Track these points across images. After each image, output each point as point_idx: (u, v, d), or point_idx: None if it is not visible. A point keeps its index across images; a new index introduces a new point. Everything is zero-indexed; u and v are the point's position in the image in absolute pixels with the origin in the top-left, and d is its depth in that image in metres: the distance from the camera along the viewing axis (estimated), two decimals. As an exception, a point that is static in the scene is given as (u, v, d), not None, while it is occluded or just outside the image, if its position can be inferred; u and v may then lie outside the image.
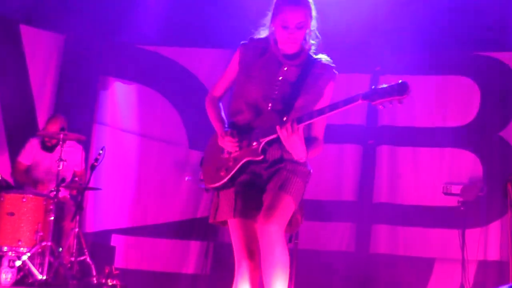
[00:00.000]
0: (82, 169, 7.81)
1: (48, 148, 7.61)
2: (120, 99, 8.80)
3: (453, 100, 8.20)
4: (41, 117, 8.45)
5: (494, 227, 7.81)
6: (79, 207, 7.22)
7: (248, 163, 3.81)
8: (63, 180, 7.19)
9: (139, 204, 8.58)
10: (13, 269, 6.52)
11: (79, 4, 8.23)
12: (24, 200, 6.88)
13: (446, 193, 7.82)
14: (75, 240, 7.10)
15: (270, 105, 3.82)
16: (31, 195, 6.96)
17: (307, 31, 3.87)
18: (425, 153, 8.20)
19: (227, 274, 8.04)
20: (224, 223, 3.98)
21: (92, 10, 8.30)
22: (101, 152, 7.46)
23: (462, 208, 7.63)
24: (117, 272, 7.21)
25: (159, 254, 8.37)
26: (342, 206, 8.21)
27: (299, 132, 3.68)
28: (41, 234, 6.86)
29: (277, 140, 3.76)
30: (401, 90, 3.47)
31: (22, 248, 6.75)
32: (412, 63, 8.06)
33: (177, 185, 8.55)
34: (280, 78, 3.85)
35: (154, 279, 8.23)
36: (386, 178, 8.22)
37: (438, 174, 8.10)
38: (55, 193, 7.00)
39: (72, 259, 7.04)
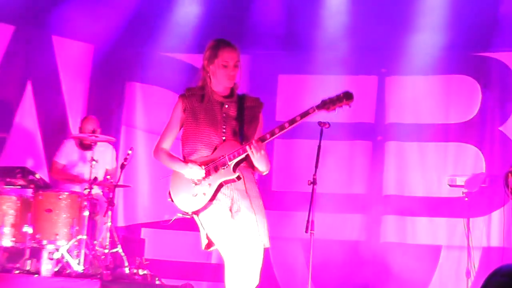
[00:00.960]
0: (113, 167, 8.03)
1: (85, 146, 7.82)
2: (145, 103, 9.14)
3: (456, 98, 8.41)
4: (73, 121, 8.76)
5: (497, 216, 8.01)
6: (111, 203, 7.36)
7: (222, 184, 4.31)
8: (95, 178, 7.36)
9: (165, 199, 8.81)
10: (52, 261, 6.68)
11: (106, 15, 8.53)
12: (60, 197, 7.08)
13: (451, 185, 8.03)
14: (108, 234, 7.26)
15: (223, 138, 4.38)
16: (66, 193, 7.16)
17: (239, 71, 4.43)
18: (430, 148, 8.42)
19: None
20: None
21: (117, 20, 8.62)
22: (129, 152, 7.63)
23: (466, 199, 7.83)
24: (147, 262, 7.45)
25: (185, 246, 8.57)
26: (354, 198, 8.48)
27: (265, 148, 4.29)
28: (77, 228, 7.05)
29: (240, 162, 4.30)
30: (348, 97, 4.25)
31: (60, 242, 6.95)
32: (416, 65, 8.32)
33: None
34: (224, 115, 4.40)
35: (181, 268, 8.49)
36: (394, 172, 8.47)
37: (443, 167, 8.32)
38: (88, 190, 7.20)
39: (106, 251, 7.20)
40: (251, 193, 4.44)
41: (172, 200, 4.52)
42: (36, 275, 6.63)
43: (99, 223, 7.55)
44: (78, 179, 7.75)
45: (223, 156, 4.31)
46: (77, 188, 7.63)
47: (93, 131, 7.49)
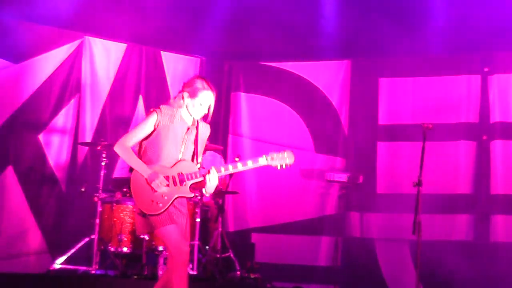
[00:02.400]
0: (223, 176, 8.14)
1: None
2: (250, 112, 9.27)
3: None
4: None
5: None
6: (221, 210, 7.54)
7: (177, 197, 4.88)
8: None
9: (273, 204, 8.90)
10: (167, 266, 6.92)
11: (209, 30, 8.72)
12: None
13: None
14: (219, 239, 7.41)
15: (180, 156, 4.96)
16: (179, 201, 7.39)
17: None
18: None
19: (356, 265, 8.37)
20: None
21: (221, 33, 8.78)
22: (237, 159, 7.70)
23: None
24: (257, 266, 7.53)
25: (294, 249, 8.68)
26: (460, 198, 8.30)
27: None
28: (189, 234, 7.28)
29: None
30: (290, 158, 5.04)
31: (174, 248, 7.19)
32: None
33: (306, 187, 8.89)
34: (185, 137, 5.00)
35: (291, 271, 8.53)
36: (501, 170, 8.24)
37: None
38: (200, 198, 7.28)
39: (218, 255, 7.34)
40: (185, 203, 5.03)
41: (131, 196, 4.98)
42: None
43: (210, 229, 7.69)
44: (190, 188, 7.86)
45: (181, 174, 4.91)
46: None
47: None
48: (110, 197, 7.44)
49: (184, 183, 4.90)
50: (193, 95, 4.99)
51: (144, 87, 8.88)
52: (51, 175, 8.26)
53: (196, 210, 7.29)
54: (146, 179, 4.84)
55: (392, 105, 8.77)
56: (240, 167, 5.07)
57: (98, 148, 7.63)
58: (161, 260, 6.92)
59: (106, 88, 8.68)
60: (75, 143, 8.37)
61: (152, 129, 4.94)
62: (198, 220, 7.25)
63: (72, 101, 8.45)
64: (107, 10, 8.20)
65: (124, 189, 7.43)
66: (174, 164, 4.92)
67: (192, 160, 5.03)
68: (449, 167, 8.37)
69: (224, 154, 8.66)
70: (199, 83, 5.05)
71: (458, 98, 8.44)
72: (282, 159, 5.05)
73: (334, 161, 8.88)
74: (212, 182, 4.97)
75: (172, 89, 9.03)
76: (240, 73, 9.31)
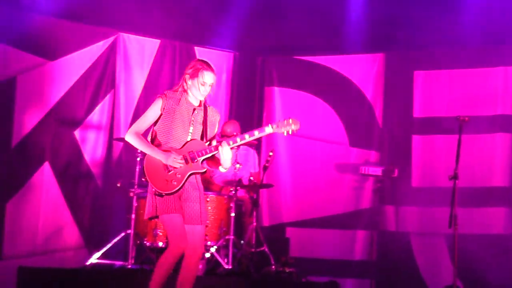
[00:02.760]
0: (257, 171, 8.14)
1: None
2: (283, 106, 9.23)
3: None
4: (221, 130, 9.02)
5: None
6: (255, 204, 7.54)
7: (190, 174, 5.09)
8: (239, 181, 7.52)
9: (307, 199, 8.88)
10: (203, 261, 6.83)
11: (242, 24, 8.72)
12: (207, 200, 7.18)
13: None
14: (254, 234, 7.42)
15: (189, 137, 5.16)
16: (213, 196, 7.29)
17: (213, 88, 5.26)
18: None
19: (392, 260, 8.32)
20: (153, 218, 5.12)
21: (255, 28, 8.79)
22: (271, 154, 7.75)
23: None
24: (292, 260, 7.48)
25: (329, 243, 8.65)
26: (497, 191, 8.18)
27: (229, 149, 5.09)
28: (225, 229, 7.20)
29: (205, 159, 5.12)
30: (295, 123, 5.23)
31: (209, 242, 7.09)
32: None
33: (340, 180, 8.84)
34: (193, 119, 5.19)
35: (326, 266, 8.49)
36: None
37: None
38: (234, 192, 7.36)
39: (252, 250, 7.35)
40: (200, 186, 5.23)
41: (148, 181, 5.10)
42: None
43: (245, 224, 7.70)
44: (224, 182, 7.91)
45: (192, 152, 5.09)
46: (223, 191, 7.78)
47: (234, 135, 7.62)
48: (145, 192, 7.47)
49: (196, 160, 5.09)
50: (194, 75, 5.19)
51: (177, 82, 8.88)
52: (87, 171, 8.34)
53: (231, 205, 7.31)
54: (159, 160, 5.03)
55: (427, 97, 8.69)
56: (247, 137, 5.14)
57: (133, 143, 7.68)
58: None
59: (140, 84, 8.73)
60: (111, 139, 8.44)
61: (159, 113, 5.16)
62: (232, 214, 7.28)
63: (107, 97, 8.51)
64: (141, 6, 8.23)
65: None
66: (184, 145, 5.13)
67: (201, 139, 5.21)
68: (485, 159, 8.25)
69: (258, 149, 8.65)
70: (199, 64, 5.25)
71: (495, 90, 8.32)
72: (288, 125, 5.21)
73: (368, 155, 8.82)
74: (225, 155, 5.08)
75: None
76: (274, 68, 9.29)
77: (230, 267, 7.03)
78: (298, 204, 8.92)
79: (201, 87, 5.17)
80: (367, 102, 8.92)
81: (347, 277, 8.42)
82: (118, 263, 7.24)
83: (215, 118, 5.34)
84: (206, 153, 5.12)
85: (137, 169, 7.44)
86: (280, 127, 5.19)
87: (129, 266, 7.11)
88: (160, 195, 5.04)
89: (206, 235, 7.11)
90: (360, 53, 9.02)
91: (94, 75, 8.42)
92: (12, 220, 7.82)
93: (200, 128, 5.22)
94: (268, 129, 5.17)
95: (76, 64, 8.32)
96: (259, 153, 8.70)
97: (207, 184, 8.06)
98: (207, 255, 7.02)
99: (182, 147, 5.12)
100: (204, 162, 5.18)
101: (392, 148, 8.74)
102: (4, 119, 7.90)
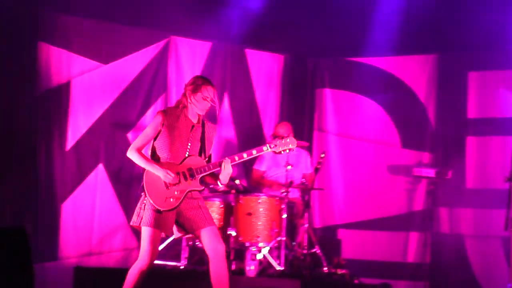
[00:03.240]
0: (310, 172, 8.05)
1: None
2: (335, 108, 9.19)
3: None
4: (267, 128, 9.01)
5: None
6: (307, 206, 7.51)
7: (189, 192, 5.19)
8: (291, 182, 7.46)
9: (359, 200, 8.82)
10: (255, 262, 6.89)
11: (293, 27, 8.72)
12: (259, 201, 7.23)
13: None
14: (306, 235, 7.38)
15: (187, 153, 5.24)
16: (265, 197, 7.30)
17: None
18: None
19: (446, 262, 8.20)
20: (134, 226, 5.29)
21: (304, 31, 8.76)
22: (322, 155, 7.71)
23: None
24: (344, 262, 7.47)
25: (382, 245, 8.59)
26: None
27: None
28: (276, 230, 7.17)
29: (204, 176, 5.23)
30: (292, 143, 5.31)
31: (261, 243, 7.11)
32: None
33: (393, 182, 8.75)
34: (191, 136, 5.28)
35: (379, 268, 8.42)
36: None
37: None
38: (286, 194, 7.33)
39: (304, 251, 7.32)
40: (197, 196, 5.29)
41: (146, 195, 5.19)
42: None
43: (297, 225, 7.66)
44: (276, 184, 7.89)
45: (191, 168, 5.20)
46: (274, 193, 7.76)
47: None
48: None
49: (195, 177, 5.21)
50: (194, 91, 5.27)
51: (229, 85, 8.93)
52: (140, 172, 8.38)
53: (282, 206, 7.29)
54: (159, 177, 5.15)
55: (482, 98, 8.57)
56: (245, 156, 5.28)
57: (185, 145, 7.73)
58: (248, 256, 6.97)
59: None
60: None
61: (158, 129, 5.25)
62: (284, 216, 7.25)
63: (159, 100, 8.58)
64: (192, 10, 8.28)
65: (211, 185, 7.51)
66: (183, 161, 5.23)
67: (199, 155, 5.32)
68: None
69: (310, 150, 8.62)
70: (199, 80, 5.35)
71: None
72: (285, 145, 5.33)
73: (421, 156, 8.72)
74: (226, 170, 5.20)
75: (257, 87, 9.07)
76: (325, 69, 9.25)
77: (282, 268, 7.02)
78: (350, 206, 8.87)
79: (202, 102, 5.27)
80: (419, 103, 8.83)
81: (400, 279, 8.34)
82: (171, 264, 7.28)
83: (212, 134, 5.44)
84: (206, 171, 5.24)
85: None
86: (278, 146, 5.31)
87: (182, 267, 7.15)
88: (159, 212, 5.13)
89: (258, 236, 7.17)
90: (412, 54, 8.93)
91: (146, 78, 8.50)
92: (67, 220, 7.95)
93: (198, 144, 5.32)
94: (266, 148, 5.30)
95: (129, 67, 8.41)
96: (311, 154, 8.64)
97: (258, 185, 8.07)
98: (259, 256, 7.02)
99: (181, 163, 5.23)
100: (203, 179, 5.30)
101: (446, 149, 8.63)
102: (59, 122, 8.03)
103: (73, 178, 8.01)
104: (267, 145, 5.30)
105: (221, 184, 5.31)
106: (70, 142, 8.03)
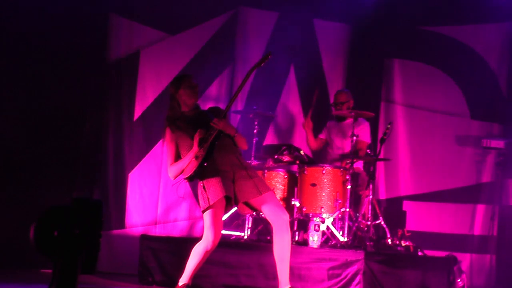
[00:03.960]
0: (369, 142, 7.98)
1: (342, 119, 8.01)
2: (403, 78, 9.02)
3: None
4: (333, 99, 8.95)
5: None
6: (372, 177, 7.42)
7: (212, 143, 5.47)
8: (356, 153, 7.47)
9: (426, 172, 8.68)
10: (318, 233, 6.87)
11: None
12: (323, 172, 7.21)
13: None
14: (370, 206, 7.33)
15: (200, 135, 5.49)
16: (329, 167, 7.26)
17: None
18: None
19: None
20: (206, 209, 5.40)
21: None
22: (388, 126, 7.60)
23: None
24: (409, 234, 7.36)
25: (447, 217, 8.43)
26: None
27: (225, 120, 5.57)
28: (340, 201, 7.16)
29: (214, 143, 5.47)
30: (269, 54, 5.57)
31: (324, 214, 7.12)
32: None
33: (460, 154, 8.56)
34: (195, 122, 5.55)
35: (444, 240, 8.30)
36: None
37: None
38: (350, 165, 7.32)
39: (368, 223, 7.28)
40: (245, 166, 5.53)
41: (186, 179, 5.51)
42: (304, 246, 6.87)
43: (361, 196, 7.61)
44: (339, 154, 7.86)
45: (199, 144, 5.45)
46: (339, 163, 7.74)
47: (347, 104, 7.60)
48: (261, 164, 7.58)
49: (205, 142, 5.43)
50: (177, 87, 5.64)
51: (296, 55, 8.88)
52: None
53: (347, 177, 7.27)
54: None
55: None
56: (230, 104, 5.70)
57: (250, 116, 7.77)
58: (311, 226, 6.97)
59: (258, 57, 8.73)
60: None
61: (174, 138, 5.57)
62: (348, 187, 7.24)
63: (226, 71, 8.62)
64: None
65: (275, 156, 7.55)
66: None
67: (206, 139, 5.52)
68: None
69: (376, 121, 8.54)
70: (174, 79, 5.80)
71: None
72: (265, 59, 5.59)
73: (491, 127, 8.49)
74: (222, 128, 5.44)
75: (324, 58, 8.98)
76: (394, 39, 9.04)
77: (346, 239, 7.03)
78: (416, 178, 8.72)
79: (189, 90, 5.63)
80: (491, 72, 8.59)
81: (465, 251, 8.21)
82: (235, 234, 7.37)
83: (206, 117, 5.63)
84: (211, 134, 5.45)
85: (254, 141, 7.55)
86: (258, 64, 5.65)
87: (246, 237, 7.24)
88: (201, 165, 5.38)
89: (322, 207, 7.17)
90: (485, 23, 8.67)
91: (213, 49, 8.54)
92: (134, 190, 8.12)
93: (203, 131, 5.51)
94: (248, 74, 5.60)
95: (196, 37, 8.48)
96: (377, 125, 8.58)
97: (324, 155, 8.06)
98: (323, 227, 7.03)
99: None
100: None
101: (517, 120, 8.40)
102: (128, 92, 8.18)
103: (140, 148, 8.18)
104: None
105: (232, 135, 5.54)
106: (137, 112, 8.17)
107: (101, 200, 3.86)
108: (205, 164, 5.39)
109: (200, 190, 5.46)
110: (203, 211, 5.40)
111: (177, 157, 5.56)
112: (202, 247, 5.40)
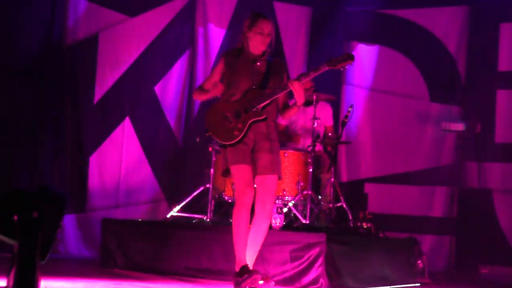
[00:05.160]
0: (331, 124, 7.91)
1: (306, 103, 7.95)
2: (364, 61, 9.03)
3: None
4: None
5: None
6: (333, 160, 7.40)
7: (252, 123, 5.15)
8: (318, 136, 7.39)
9: (386, 154, 8.74)
10: (281, 215, 6.75)
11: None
12: (285, 155, 7.11)
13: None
14: (332, 189, 7.30)
15: (253, 87, 5.20)
16: (291, 151, 7.20)
17: (272, 39, 5.25)
18: None
19: (473, 217, 8.12)
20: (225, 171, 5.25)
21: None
22: (350, 109, 7.56)
23: None
24: (370, 216, 7.31)
25: (408, 200, 8.52)
26: None
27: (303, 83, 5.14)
28: (302, 184, 7.10)
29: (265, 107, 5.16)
30: (351, 58, 5.13)
31: (287, 197, 7.07)
32: None
33: (420, 136, 8.62)
34: (255, 69, 5.24)
35: (404, 222, 8.38)
36: None
37: None
38: (312, 148, 7.24)
39: (330, 205, 7.25)
40: (271, 137, 5.25)
41: (211, 134, 5.23)
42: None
43: (322, 179, 7.56)
44: (300, 136, 7.82)
45: (250, 100, 5.14)
46: (300, 146, 7.72)
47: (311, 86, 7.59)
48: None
49: (255, 108, 5.14)
50: (251, 26, 5.22)
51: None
52: (167, 125, 8.43)
53: (309, 160, 7.23)
54: (219, 113, 5.17)
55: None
56: (302, 78, 5.18)
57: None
58: (273, 209, 6.89)
59: (219, 39, 8.70)
60: (190, 94, 8.48)
61: (222, 71, 5.29)
62: (310, 170, 7.18)
63: (187, 52, 8.54)
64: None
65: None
66: (244, 94, 5.19)
67: (263, 88, 5.23)
68: None
69: (337, 104, 8.54)
70: (255, 15, 5.29)
71: None
72: (343, 61, 5.15)
73: (450, 110, 8.57)
74: (297, 90, 5.09)
75: (284, 40, 8.93)
76: (354, 22, 9.05)
77: (308, 222, 6.98)
78: (377, 160, 8.77)
79: (260, 36, 5.19)
80: (449, 55, 8.65)
81: (426, 233, 8.30)
82: (197, 216, 7.32)
83: (279, 69, 5.34)
84: (265, 100, 5.16)
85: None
86: (334, 62, 5.14)
87: (207, 220, 7.19)
88: (224, 146, 5.18)
89: (284, 190, 7.14)
90: (443, 5, 8.72)
91: (173, 31, 8.46)
92: (95, 173, 8.02)
93: (262, 78, 5.25)
94: (323, 68, 5.14)
95: (156, 19, 8.38)
96: (338, 108, 8.59)
97: (285, 137, 8.03)
98: (285, 210, 7.00)
99: (242, 97, 5.19)
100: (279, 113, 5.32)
101: (475, 103, 8.48)
102: (87, 75, 8.05)
103: (100, 131, 8.08)
104: (324, 63, 5.14)
105: (298, 105, 5.20)
106: (97, 96, 8.05)
107: (65, 194, 3.76)
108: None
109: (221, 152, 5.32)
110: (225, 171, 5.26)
111: (211, 83, 5.29)
112: (238, 211, 5.18)
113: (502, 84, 8.38)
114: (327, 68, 5.13)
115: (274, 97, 5.18)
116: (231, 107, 5.18)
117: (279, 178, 5.33)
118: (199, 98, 5.52)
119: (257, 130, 5.21)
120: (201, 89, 5.40)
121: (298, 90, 5.10)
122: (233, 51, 5.34)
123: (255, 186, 5.24)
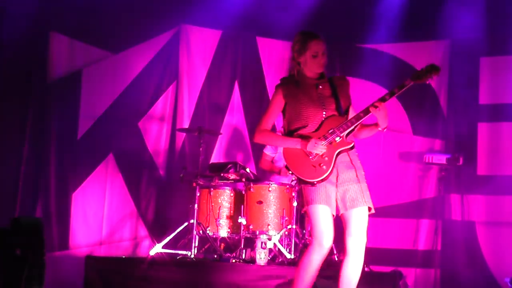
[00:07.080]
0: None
1: None
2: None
3: None
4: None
5: None
6: (318, 194, 7.50)
7: (338, 153, 4.68)
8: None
9: (370, 188, 8.69)
10: (265, 250, 6.83)
11: (298, 14, 8.55)
12: (270, 189, 7.20)
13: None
14: (316, 223, 7.41)
15: (324, 114, 4.73)
16: (275, 185, 7.25)
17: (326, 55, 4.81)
18: None
19: (457, 249, 8.13)
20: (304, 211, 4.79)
21: (312, 18, 8.60)
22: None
23: None
24: (355, 250, 7.46)
25: (392, 233, 8.50)
26: None
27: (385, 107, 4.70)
28: (287, 218, 7.16)
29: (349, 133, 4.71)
30: (436, 69, 4.65)
31: (271, 232, 7.11)
32: None
33: (403, 170, 8.66)
34: (319, 94, 4.77)
35: (389, 255, 8.34)
36: None
37: None
38: (296, 181, 7.16)
39: (313, 240, 7.36)
40: (355, 164, 4.84)
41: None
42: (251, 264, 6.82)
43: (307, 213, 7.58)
44: (285, 171, 7.83)
45: (332, 129, 4.67)
46: (285, 180, 7.73)
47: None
48: (208, 182, 7.53)
49: (340, 137, 4.69)
50: (300, 51, 4.82)
51: (240, 73, 8.90)
52: (150, 161, 8.43)
53: (293, 194, 7.26)
54: (298, 149, 4.66)
55: (494, 84, 8.45)
56: (387, 98, 4.81)
57: (196, 134, 7.72)
58: (258, 244, 6.93)
59: (203, 75, 8.75)
60: (173, 130, 8.50)
61: (283, 102, 4.81)
62: (295, 204, 7.22)
63: (170, 88, 8.58)
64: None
65: (221, 174, 7.49)
66: (320, 124, 4.72)
67: (337, 113, 4.79)
68: None
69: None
70: (304, 36, 4.86)
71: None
72: (427, 73, 4.71)
73: (432, 143, 8.63)
74: (380, 113, 4.72)
75: (267, 75, 8.99)
76: (335, 56, 9.11)
77: (293, 256, 7.00)
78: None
79: (315, 59, 4.78)
80: (431, 89, 8.72)
81: (410, 266, 8.27)
82: (182, 252, 7.29)
83: (344, 87, 4.90)
84: (349, 126, 4.72)
85: (200, 160, 7.49)
86: (420, 77, 4.69)
87: (192, 256, 7.16)
88: (313, 184, 4.65)
89: (268, 224, 7.15)
90: (423, 40, 8.82)
91: (157, 67, 8.49)
92: (78, 210, 7.98)
93: (332, 101, 4.79)
94: (409, 83, 4.72)
95: (139, 56, 8.41)
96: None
97: (267, 171, 8.05)
98: (270, 245, 6.99)
99: (319, 127, 4.71)
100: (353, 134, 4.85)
101: (457, 136, 8.52)
102: (70, 111, 8.04)
103: (84, 167, 8.05)
104: (408, 78, 4.71)
105: (382, 129, 4.81)
106: (80, 131, 8.04)
107: (40, 218, 3.74)
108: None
109: (300, 191, 4.87)
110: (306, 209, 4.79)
111: (272, 122, 4.91)
112: (311, 253, 4.81)
113: (483, 117, 8.45)
114: (412, 83, 4.70)
115: (359, 123, 4.75)
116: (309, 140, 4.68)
117: (371, 210, 4.91)
118: (266, 142, 5.18)
119: (339, 160, 4.74)
120: (264, 131, 4.86)
121: (382, 114, 4.72)
122: (289, 79, 4.85)
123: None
